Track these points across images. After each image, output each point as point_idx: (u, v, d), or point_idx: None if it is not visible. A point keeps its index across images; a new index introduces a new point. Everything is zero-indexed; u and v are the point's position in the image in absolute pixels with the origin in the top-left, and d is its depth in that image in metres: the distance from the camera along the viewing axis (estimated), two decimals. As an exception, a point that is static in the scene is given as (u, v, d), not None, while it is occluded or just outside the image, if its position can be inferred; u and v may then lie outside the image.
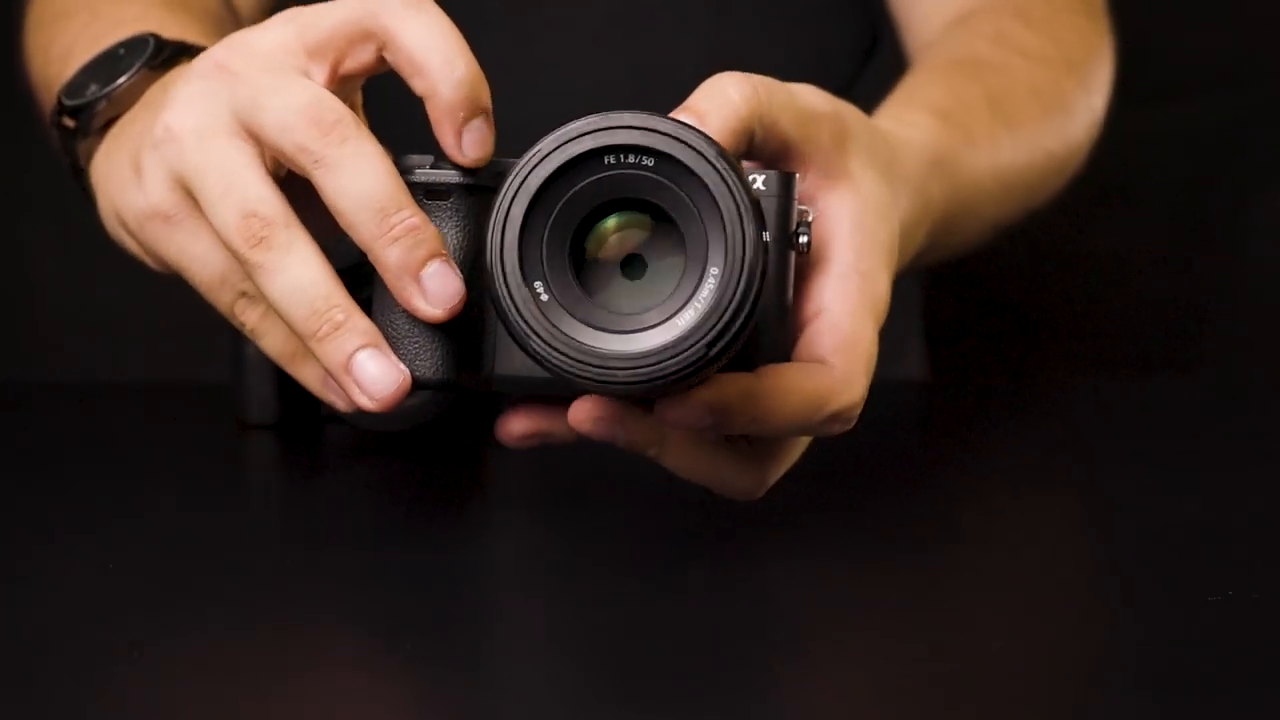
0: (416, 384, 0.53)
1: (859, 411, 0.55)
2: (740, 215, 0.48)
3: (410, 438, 0.74)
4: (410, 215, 0.52)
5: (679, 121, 0.49)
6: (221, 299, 0.57)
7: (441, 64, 0.54)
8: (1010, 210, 0.78)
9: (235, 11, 0.88)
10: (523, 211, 0.49)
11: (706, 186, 0.48)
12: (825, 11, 1.00)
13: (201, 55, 0.56)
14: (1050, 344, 1.44)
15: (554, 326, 0.48)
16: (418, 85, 0.54)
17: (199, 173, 0.54)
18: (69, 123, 0.65)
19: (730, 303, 0.48)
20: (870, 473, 0.65)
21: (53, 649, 0.48)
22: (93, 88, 0.64)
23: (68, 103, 0.65)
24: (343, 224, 0.53)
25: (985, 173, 0.71)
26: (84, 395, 0.91)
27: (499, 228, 0.49)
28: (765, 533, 0.60)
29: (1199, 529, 0.61)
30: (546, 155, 0.49)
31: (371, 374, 0.53)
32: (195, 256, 0.57)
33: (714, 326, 0.48)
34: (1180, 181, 1.46)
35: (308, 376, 0.58)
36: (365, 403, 0.53)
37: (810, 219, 0.55)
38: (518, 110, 1.00)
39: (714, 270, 0.48)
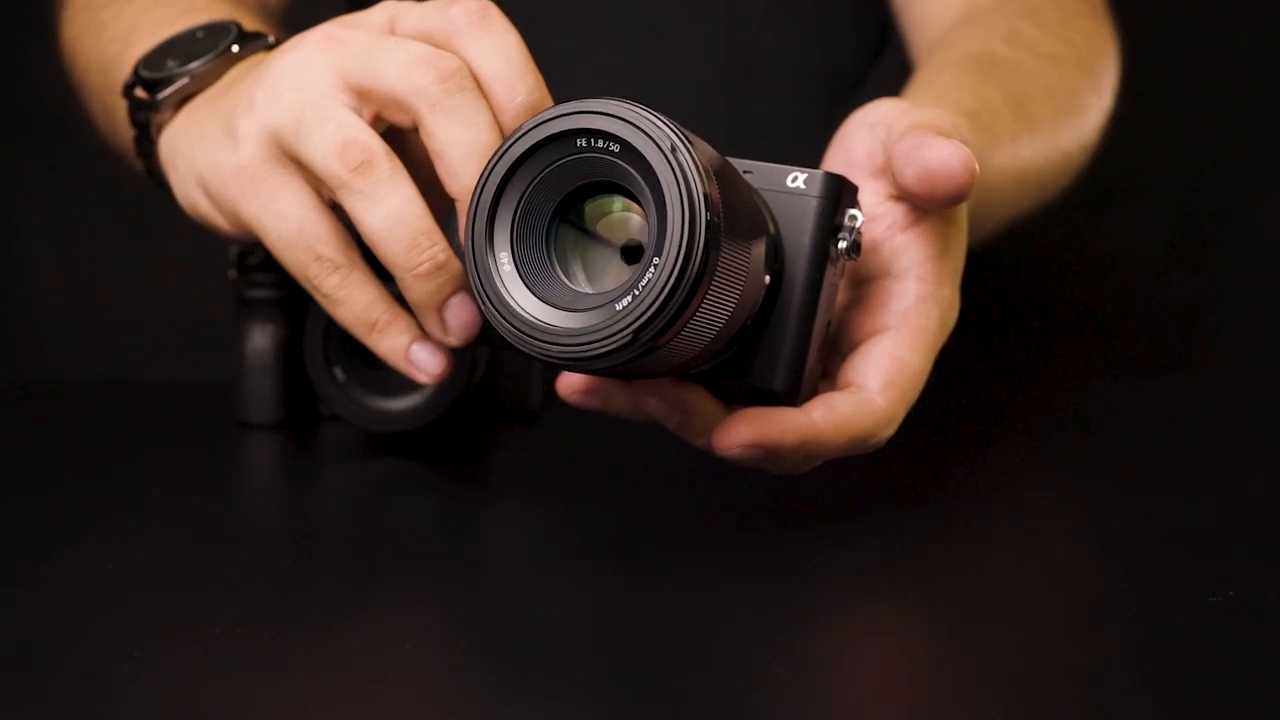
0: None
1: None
2: (683, 211, 0.48)
3: (409, 438, 0.74)
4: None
5: (648, 112, 0.49)
6: (296, 259, 0.58)
7: (503, 90, 0.56)
8: (1022, 207, 0.79)
9: (264, 4, 0.88)
10: (496, 184, 0.50)
11: (658, 177, 0.49)
12: (834, 11, 1.01)
13: (304, 33, 0.58)
14: (1051, 344, 1.44)
15: (505, 295, 0.50)
16: (490, 101, 0.56)
17: (294, 118, 0.56)
18: (143, 94, 0.65)
19: (660, 295, 0.48)
20: (870, 472, 0.65)
21: (52, 648, 0.48)
22: (170, 63, 0.66)
23: (145, 74, 0.66)
24: (443, 168, 0.55)
25: (1006, 173, 0.72)
26: (84, 395, 0.91)
27: (475, 198, 0.51)
28: (765, 534, 0.60)
29: (1199, 529, 0.61)
30: (524, 134, 0.50)
31: (459, 318, 0.56)
32: (276, 212, 0.58)
33: (643, 314, 0.48)
34: (1180, 181, 1.46)
35: (387, 349, 0.59)
36: (450, 341, 0.57)
37: (859, 224, 0.56)
38: None
39: (655, 260, 0.48)
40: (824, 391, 0.58)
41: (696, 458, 0.59)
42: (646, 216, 0.50)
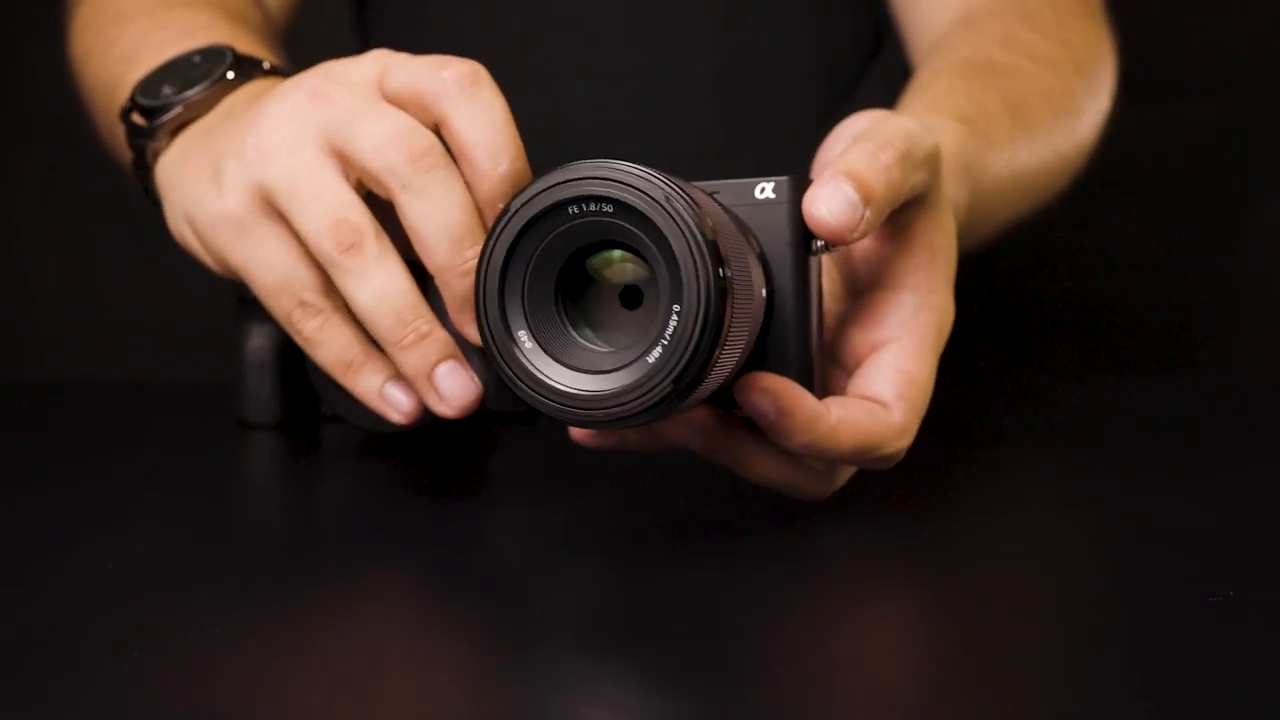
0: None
1: (903, 453, 0.58)
2: (693, 256, 0.49)
3: (409, 438, 0.74)
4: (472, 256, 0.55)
5: (634, 169, 0.50)
6: (280, 304, 0.59)
7: (486, 158, 0.56)
8: (1021, 209, 0.79)
9: (267, 13, 0.89)
10: (499, 268, 0.51)
11: (659, 230, 0.50)
12: (831, 13, 1.01)
13: (294, 80, 0.59)
14: (1051, 344, 1.44)
15: (536, 373, 0.51)
16: (464, 169, 0.56)
17: (287, 181, 0.57)
18: (139, 120, 0.66)
19: (690, 341, 0.50)
20: (869, 471, 0.65)
21: (52, 648, 0.48)
22: (167, 90, 0.67)
23: (142, 101, 0.66)
24: (419, 247, 0.56)
25: (1003, 176, 0.72)
26: (84, 395, 0.91)
27: (480, 285, 0.52)
28: (764, 533, 0.60)
29: (1199, 529, 0.61)
30: (514, 214, 0.51)
31: (451, 386, 0.57)
32: (261, 261, 0.59)
33: (677, 364, 0.50)
34: (1180, 181, 1.46)
35: (363, 389, 0.60)
36: (444, 410, 0.58)
37: None
38: (530, 111, 1.01)
39: (675, 308, 0.50)
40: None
41: (696, 459, 0.59)
42: (651, 265, 0.51)
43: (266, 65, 0.67)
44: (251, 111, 0.60)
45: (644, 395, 0.50)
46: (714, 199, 0.55)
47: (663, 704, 0.44)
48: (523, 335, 0.52)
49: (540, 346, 0.52)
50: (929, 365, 0.58)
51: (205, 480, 0.70)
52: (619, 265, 0.53)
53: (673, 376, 0.50)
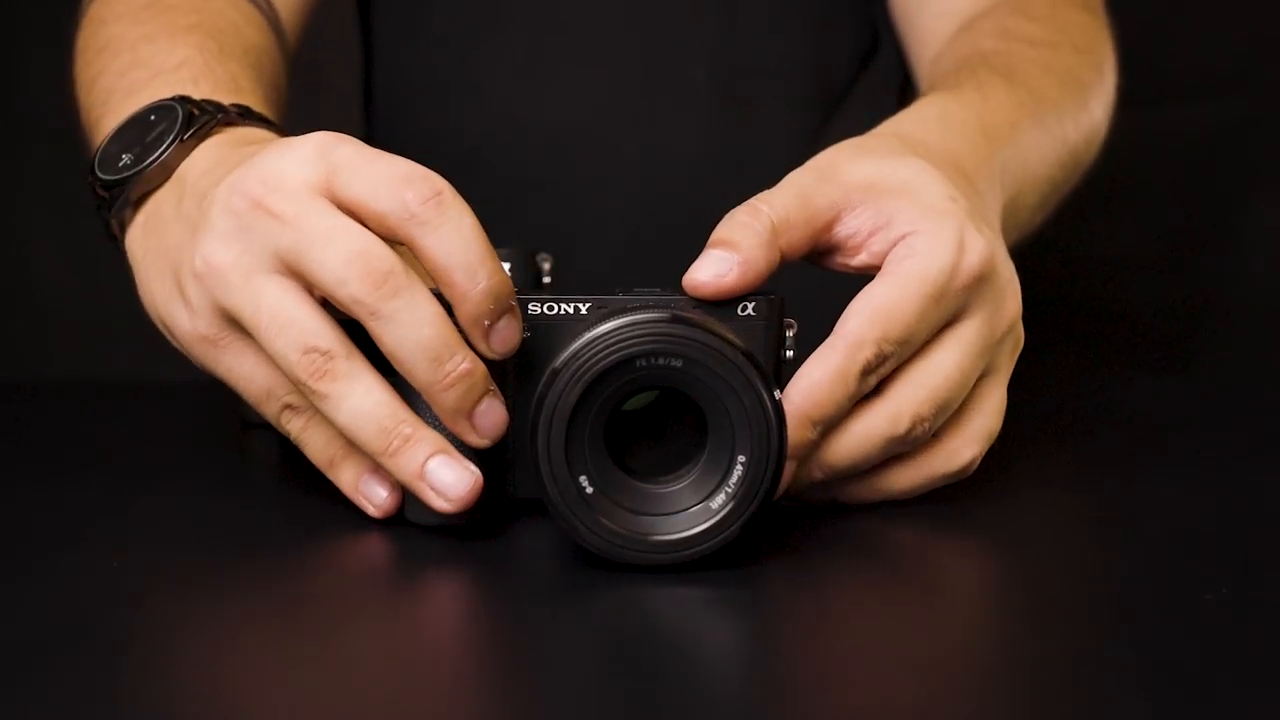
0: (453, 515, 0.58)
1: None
2: (766, 421, 0.54)
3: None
4: (462, 360, 0.55)
5: (707, 329, 0.54)
6: (269, 410, 0.60)
7: (465, 279, 0.55)
8: (1043, 185, 0.78)
9: (275, 11, 0.87)
10: (566, 418, 0.54)
11: (735, 390, 0.53)
12: (830, 18, 1.01)
13: (231, 182, 0.57)
14: (1050, 344, 1.44)
15: (603, 520, 0.54)
16: (445, 291, 0.56)
17: (249, 310, 0.57)
18: (102, 193, 0.66)
19: (759, 491, 0.54)
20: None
21: (55, 648, 0.48)
22: (124, 159, 0.65)
23: (102, 177, 0.66)
24: (400, 368, 0.56)
25: (1027, 146, 0.73)
26: (86, 395, 0.91)
27: (544, 434, 0.54)
28: (764, 534, 0.60)
29: (1198, 528, 0.61)
30: (584, 368, 0.53)
31: (446, 479, 0.57)
32: (242, 375, 0.60)
33: (746, 510, 0.54)
34: (1179, 183, 1.46)
35: (343, 484, 0.61)
36: (442, 505, 0.57)
37: (793, 332, 0.60)
38: (531, 113, 1.01)
39: (741, 458, 0.54)
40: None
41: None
42: (705, 411, 0.54)
43: (225, 111, 0.66)
44: (199, 210, 0.59)
45: (711, 541, 0.54)
46: (699, 310, 0.57)
47: (660, 705, 0.44)
48: (583, 480, 0.54)
49: (600, 491, 0.54)
50: (900, 291, 0.58)
51: (206, 479, 0.70)
52: (635, 401, 0.55)
53: (741, 523, 0.54)
